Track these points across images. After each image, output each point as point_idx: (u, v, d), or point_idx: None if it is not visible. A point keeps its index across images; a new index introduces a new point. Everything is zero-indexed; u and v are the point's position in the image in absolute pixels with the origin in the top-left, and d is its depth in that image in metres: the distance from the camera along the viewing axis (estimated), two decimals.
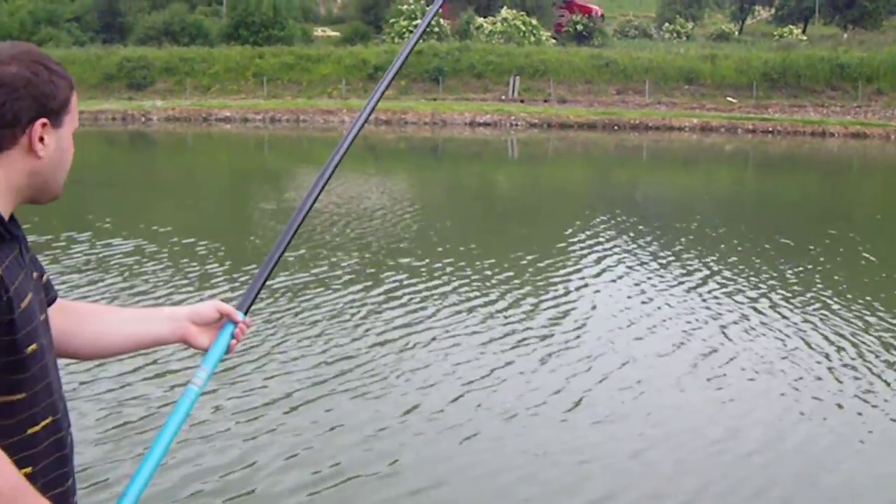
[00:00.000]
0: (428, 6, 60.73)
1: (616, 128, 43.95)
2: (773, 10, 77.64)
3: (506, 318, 10.62)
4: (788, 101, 48.30)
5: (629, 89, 50.46)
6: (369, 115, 2.62)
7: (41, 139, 1.93)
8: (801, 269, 13.67)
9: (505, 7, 63.09)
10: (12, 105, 1.88)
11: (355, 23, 68.04)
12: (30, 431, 1.91)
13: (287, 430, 7.19)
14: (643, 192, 25.14)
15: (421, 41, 55.98)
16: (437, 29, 59.70)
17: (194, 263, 13.24)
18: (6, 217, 1.92)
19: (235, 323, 2.29)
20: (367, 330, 9.94)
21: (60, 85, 1.96)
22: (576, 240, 15.95)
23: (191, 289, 11.78)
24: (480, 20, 62.34)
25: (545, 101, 49.42)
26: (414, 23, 59.71)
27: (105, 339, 2.28)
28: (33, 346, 1.90)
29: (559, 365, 8.99)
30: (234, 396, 7.86)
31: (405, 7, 60.99)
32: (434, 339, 9.66)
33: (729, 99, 48.92)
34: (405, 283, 12.20)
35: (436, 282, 12.30)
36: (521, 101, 49.20)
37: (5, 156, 1.91)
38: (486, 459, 6.82)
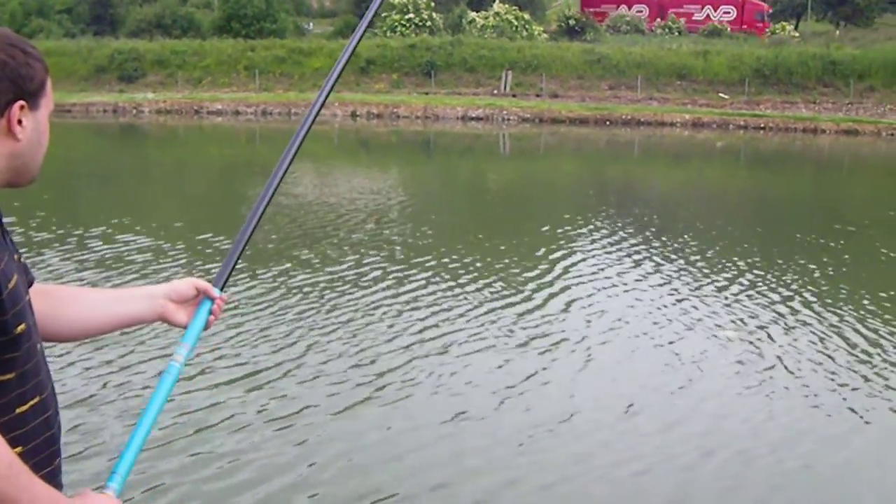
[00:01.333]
0: (420, 0, 60.72)
1: (608, 123, 43.97)
2: None
3: (518, 316, 10.58)
4: (780, 98, 48.43)
5: (621, 85, 50.54)
6: (324, 101, 2.68)
7: (19, 122, 1.93)
8: (804, 263, 13.68)
9: (497, 1, 63.13)
10: None
11: (347, 16, 68.04)
12: (18, 411, 1.91)
13: (325, 440, 7.00)
14: (636, 188, 25.11)
15: (413, 35, 56.29)
16: (429, 23, 59.73)
17: (211, 254, 13.20)
18: None
19: (212, 299, 2.32)
20: (378, 332, 9.88)
21: (37, 67, 1.95)
22: (572, 236, 15.93)
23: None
24: (473, 14, 62.38)
25: (537, 95, 49.45)
26: (406, 16, 59.74)
27: (84, 320, 2.28)
28: (22, 326, 1.90)
29: (554, 363, 8.96)
30: (264, 401, 7.72)
31: (397, 1, 60.94)
32: (458, 337, 9.60)
33: (721, 95, 49.02)
34: (402, 280, 12.17)
35: (439, 279, 12.26)
36: (513, 96, 49.21)
37: None
38: (536, 471, 6.68)
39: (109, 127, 42.57)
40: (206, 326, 2.31)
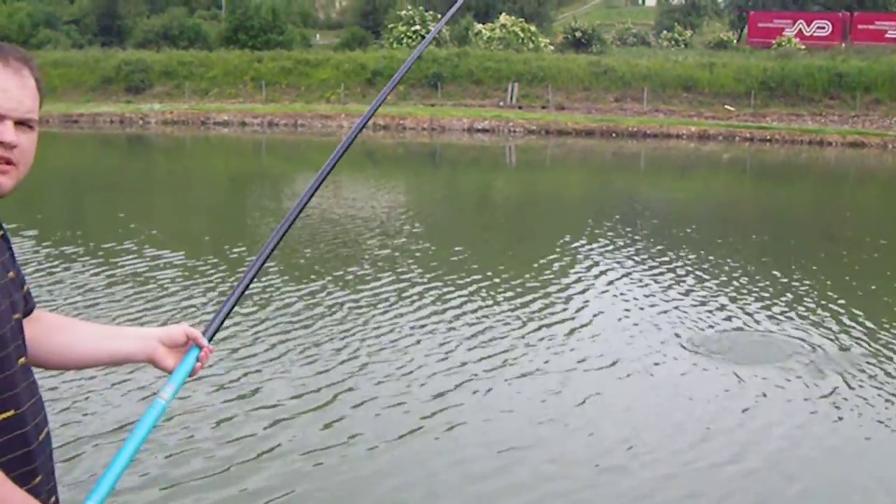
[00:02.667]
0: (426, 12, 60.85)
1: (614, 135, 43.96)
2: None
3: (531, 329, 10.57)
4: (786, 110, 48.38)
5: (627, 97, 50.53)
6: (363, 125, 2.74)
7: None
8: (799, 273, 13.66)
9: (503, 13, 63.22)
10: None
11: (354, 28, 68.18)
12: None
13: (377, 471, 6.77)
14: (642, 200, 25.05)
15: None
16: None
17: (237, 268, 13.20)
18: None
19: (201, 347, 2.33)
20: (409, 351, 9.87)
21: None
22: (579, 248, 15.91)
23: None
24: (479, 26, 62.43)
25: (543, 107, 49.46)
26: (412, 28, 59.84)
27: (73, 350, 2.27)
28: None
29: (579, 380, 8.95)
30: (301, 428, 7.55)
31: (403, 13, 61.15)
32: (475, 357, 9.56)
33: (727, 107, 49.00)
34: (426, 298, 12.16)
35: (447, 289, 12.26)
36: (520, 108, 49.22)
37: None
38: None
39: (116, 137, 42.66)
40: (192, 373, 2.33)
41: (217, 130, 45.42)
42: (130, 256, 13.83)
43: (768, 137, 43.21)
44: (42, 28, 64.71)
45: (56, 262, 13.10)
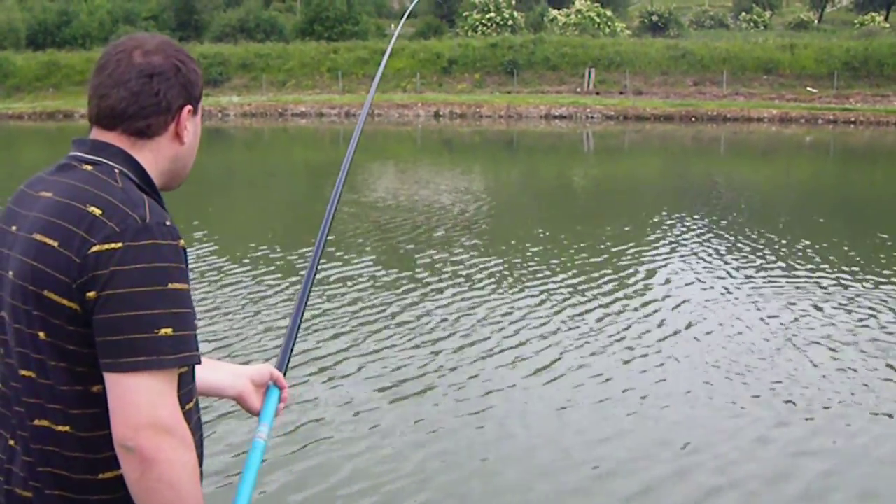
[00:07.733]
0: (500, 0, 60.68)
1: (693, 119, 43.46)
2: None
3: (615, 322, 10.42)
4: (871, 91, 47.38)
5: (706, 80, 49.91)
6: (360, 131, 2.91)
7: (185, 126, 2.04)
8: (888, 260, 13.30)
9: None
10: (166, 93, 1.98)
11: (428, 17, 68.26)
12: (187, 407, 1.97)
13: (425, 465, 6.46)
14: (723, 185, 24.67)
15: (495, 34, 56.27)
16: (510, 21, 59.66)
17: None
18: None
19: (281, 388, 2.36)
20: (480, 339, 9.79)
21: (199, 73, 2.08)
22: (663, 234, 15.70)
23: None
24: (554, 12, 62.14)
25: (621, 93, 49.07)
26: (487, 16, 59.71)
27: None
28: (195, 324, 1.98)
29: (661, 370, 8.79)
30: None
31: (478, 0, 60.97)
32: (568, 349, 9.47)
33: (809, 89, 48.14)
34: (496, 282, 12.08)
35: (526, 279, 12.16)
36: (597, 94, 48.90)
37: (156, 142, 2.01)
38: None
39: None
40: (276, 413, 2.35)
41: (295, 122, 45.83)
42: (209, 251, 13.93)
43: (852, 119, 42.40)
44: (122, 25, 65.73)
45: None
